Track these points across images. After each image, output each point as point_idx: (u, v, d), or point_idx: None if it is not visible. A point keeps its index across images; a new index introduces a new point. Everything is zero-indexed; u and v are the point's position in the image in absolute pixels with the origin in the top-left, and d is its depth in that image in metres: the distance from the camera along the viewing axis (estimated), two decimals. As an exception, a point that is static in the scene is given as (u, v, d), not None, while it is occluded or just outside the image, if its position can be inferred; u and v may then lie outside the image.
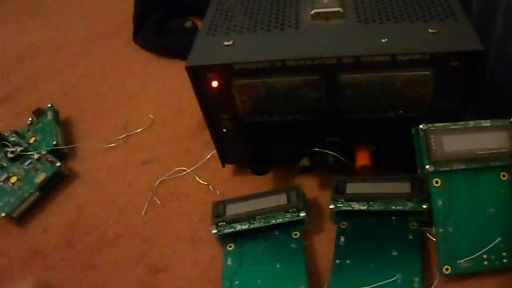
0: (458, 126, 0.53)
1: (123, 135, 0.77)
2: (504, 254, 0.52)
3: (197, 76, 0.53)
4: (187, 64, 0.52)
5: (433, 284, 0.52)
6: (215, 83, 0.53)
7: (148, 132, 0.77)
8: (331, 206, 0.56)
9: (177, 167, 0.70)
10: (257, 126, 0.57)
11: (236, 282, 0.54)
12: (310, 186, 0.63)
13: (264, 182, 0.65)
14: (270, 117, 0.55)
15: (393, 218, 0.57)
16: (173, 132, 0.76)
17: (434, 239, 0.53)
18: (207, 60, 0.52)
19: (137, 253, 0.62)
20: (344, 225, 0.57)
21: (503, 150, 0.52)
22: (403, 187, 0.55)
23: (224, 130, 0.58)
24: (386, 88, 0.51)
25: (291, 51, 0.51)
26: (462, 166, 0.53)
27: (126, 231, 0.65)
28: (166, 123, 0.78)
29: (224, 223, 0.57)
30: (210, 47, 0.54)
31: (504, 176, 0.53)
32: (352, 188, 0.56)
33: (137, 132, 0.77)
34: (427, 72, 0.50)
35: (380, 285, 0.51)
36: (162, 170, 0.70)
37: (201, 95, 0.55)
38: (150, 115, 0.79)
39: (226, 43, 0.53)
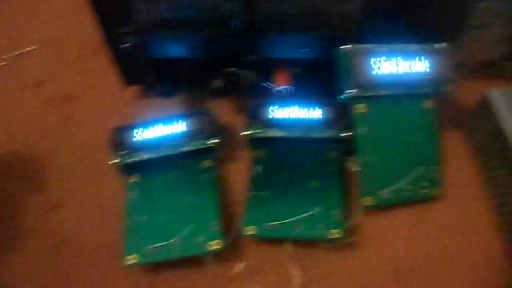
0: (385, 49, 0.49)
1: (13, 53, 0.66)
2: (424, 184, 0.50)
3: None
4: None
5: (354, 216, 0.49)
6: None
7: (43, 50, 0.68)
8: (246, 132, 0.51)
9: (74, 89, 0.62)
10: (162, 41, 0.49)
11: (140, 219, 0.49)
12: (224, 111, 0.58)
13: (173, 106, 0.58)
14: (177, 31, 0.48)
15: (312, 146, 0.52)
16: (68, 52, 0.67)
17: (356, 169, 0.50)
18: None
19: (27, 187, 0.55)
20: (260, 153, 0.53)
21: (429, 77, 0.49)
22: (324, 113, 0.51)
23: (124, 46, 0.50)
24: (309, 3, 0.46)
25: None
26: (386, 92, 0.49)
27: (14, 163, 0.57)
28: (63, 40, 0.68)
29: (126, 151, 0.50)
30: None
31: (428, 104, 0.51)
32: (268, 113, 0.51)
33: (30, 50, 0.67)
34: (355, -14, 0.45)
35: (297, 219, 0.47)
36: (57, 94, 0.62)
37: (98, 5, 0.47)
38: (45, 33, 0.69)
39: None
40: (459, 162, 0.54)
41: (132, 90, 0.60)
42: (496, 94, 0.50)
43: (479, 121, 0.53)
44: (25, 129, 0.60)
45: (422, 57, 0.49)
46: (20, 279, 0.49)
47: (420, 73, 0.49)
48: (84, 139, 0.58)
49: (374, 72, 0.48)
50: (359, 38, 0.48)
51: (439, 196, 0.51)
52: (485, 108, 0.51)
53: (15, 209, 0.53)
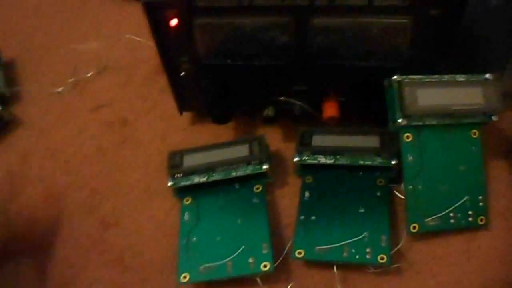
0: (433, 80, 0.50)
1: (72, 79, 0.70)
2: (470, 212, 0.51)
3: (154, 13, 0.47)
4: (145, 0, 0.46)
5: (400, 242, 0.50)
6: (174, 22, 0.48)
7: (100, 76, 0.71)
8: (296, 159, 0.53)
9: (131, 113, 0.65)
10: (219, 70, 0.52)
11: (194, 239, 0.51)
12: (274, 137, 0.60)
13: (225, 131, 0.61)
14: (233, 60, 0.51)
15: (360, 173, 0.54)
16: (127, 77, 0.70)
17: (402, 197, 0.51)
18: (165, -5, 0.46)
19: (85, 206, 0.58)
20: (309, 179, 0.54)
21: (476, 107, 0.50)
22: (372, 141, 0.53)
23: (182, 74, 0.53)
24: (360, 35, 0.48)
25: (259, -11, 0.46)
26: (434, 122, 0.50)
27: (74, 183, 0.60)
28: (119, 67, 0.72)
29: (181, 174, 0.53)
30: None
31: (475, 133, 0.51)
32: (318, 140, 0.53)
33: (88, 76, 0.71)
34: (405, 20, 0.46)
35: (346, 243, 0.48)
36: (114, 117, 0.65)
37: (158, 34, 0.49)
38: (103, 58, 0.72)
39: (188, -22, 0.47)
40: (506, 191, 0.54)
41: (188, 116, 0.63)
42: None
43: (525, 151, 0.53)
44: (82, 151, 0.63)
45: (470, 87, 0.50)
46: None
47: (467, 103, 0.50)
48: (139, 161, 0.60)
49: (422, 102, 0.49)
50: (408, 68, 0.49)
51: (486, 225, 0.51)
52: (532, 138, 0.51)
53: (75, 228, 0.56)
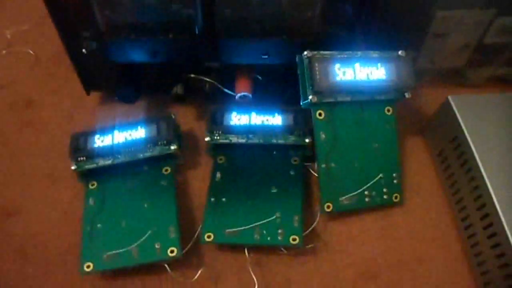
0: (345, 56, 0.49)
1: (-27, 57, 0.65)
2: (384, 190, 0.51)
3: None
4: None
5: (314, 222, 0.49)
6: (71, -6, 0.44)
7: (4, 54, 0.66)
8: (207, 139, 0.51)
9: (36, 94, 0.61)
10: (123, 46, 0.49)
11: (99, 225, 0.48)
12: (186, 117, 0.57)
13: (135, 111, 0.58)
14: (137, 35, 0.47)
15: (274, 152, 0.53)
16: (33, 54, 0.66)
17: (317, 175, 0.50)
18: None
19: (-15, 193, 0.53)
20: (221, 159, 0.52)
21: (390, 84, 0.49)
22: (286, 119, 0.51)
23: (84, 51, 0.49)
24: (270, 9, 0.46)
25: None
26: (347, 98, 0.49)
27: (-29, 168, 0.55)
28: (25, 44, 0.67)
29: (85, 158, 0.50)
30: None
31: (389, 110, 0.51)
32: (230, 119, 0.51)
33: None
34: (315, -8, 0.45)
35: (257, 224, 0.47)
36: (17, 98, 0.61)
37: (55, 9, 0.46)
38: (8, 35, 0.67)
39: None
40: (419, 168, 0.54)
41: (94, 95, 0.60)
42: (457, 100, 0.50)
43: (439, 128, 0.53)
44: (-18, 133, 0.58)
45: (382, 64, 0.49)
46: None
47: (380, 80, 0.49)
48: (44, 145, 0.57)
49: (334, 79, 0.47)
50: (319, 44, 0.48)
51: (400, 202, 0.51)
52: (446, 115, 0.51)
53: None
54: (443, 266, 0.48)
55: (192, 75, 0.52)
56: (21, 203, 0.53)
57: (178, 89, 0.52)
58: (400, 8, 0.56)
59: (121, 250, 0.46)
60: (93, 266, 0.45)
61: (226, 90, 0.52)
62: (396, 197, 0.51)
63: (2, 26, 0.68)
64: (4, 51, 0.66)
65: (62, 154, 0.53)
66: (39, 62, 0.65)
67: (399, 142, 0.52)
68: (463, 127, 0.48)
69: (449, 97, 0.51)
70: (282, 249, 0.47)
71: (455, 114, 0.49)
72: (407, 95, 0.50)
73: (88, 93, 0.56)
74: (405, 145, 0.55)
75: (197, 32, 0.47)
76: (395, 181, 0.51)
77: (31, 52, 0.66)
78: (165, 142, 0.50)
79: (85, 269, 0.45)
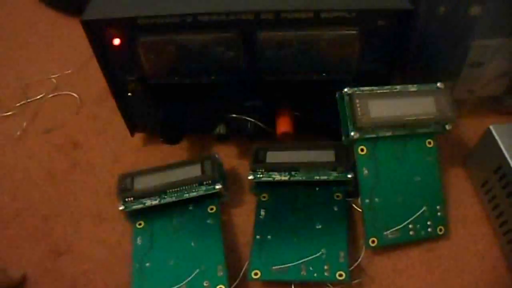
0: (385, 91, 0.50)
1: (22, 102, 0.68)
2: (429, 223, 0.50)
3: (96, 32, 0.46)
4: (84, 18, 0.45)
5: (359, 257, 0.49)
6: (117, 41, 0.46)
7: (51, 98, 0.69)
8: (250, 177, 0.52)
9: (82, 135, 0.63)
10: (167, 89, 0.50)
11: (147, 264, 0.49)
12: (228, 155, 0.59)
13: (178, 151, 0.59)
14: (181, 78, 0.49)
15: (317, 189, 0.53)
16: (78, 97, 0.69)
17: (360, 210, 0.50)
18: (106, 13, 0.45)
19: (37, 233, 0.55)
20: (264, 197, 0.53)
21: (430, 117, 0.50)
22: (328, 155, 0.52)
23: (130, 94, 0.51)
24: (309, 49, 0.47)
25: (203, 4, 0.45)
26: (388, 133, 0.50)
27: (24, 209, 0.58)
28: (70, 88, 0.70)
29: (132, 198, 0.51)
30: (111, 0, 0.46)
31: (430, 143, 0.51)
32: (272, 157, 0.52)
33: (38, 98, 0.69)
34: (353, 32, 0.46)
35: (304, 261, 0.47)
36: (64, 140, 0.63)
37: (101, 54, 0.48)
38: (53, 79, 0.70)
39: (130, -5, 0.46)
40: (463, 199, 0.54)
41: (139, 136, 0.61)
42: (499, 129, 0.50)
43: (482, 158, 0.53)
44: (33, 175, 0.60)
45: (422, 97, 0.50)
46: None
47: (421, 113, 0.49)
48: (91, 185, 0.58)
49: (375, 114, 0.48)
50: (359, 81, 0.48)
51: (445, 234, 0.51)
52: (488, 144, 0.51)
53: (26, 256, 0.53)
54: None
55: (235, 115, 0.53)
56: (71, 242, 0.54)
57: (221, 129, 0.54)
58: (435, 39, 0.56)
59: (170, 289, 0.47)
60: (144, 304, 0.46)
61: (268, 129, 0.53)
62: (440, 230, 0.50)
63: (48, 72, 0.71)
64: (50, 95, 0.69)
65: (109, 194, 0.55)
66: (83, 104, 0.68)
67: (442, 174, 0.51)
68: (507, 156, 0.48)
69: (491, 126, 0.51)
70: (328, 284, 0.47)
71: (497, 143, 0.49)
72: (447, 127, 0.50)
73: (132, 135, 0.58)
74: (447, 177, 0.55)
75: (239, 73, 0.48)
76: (439, 214, 0.50)
77: (75, 95, 0.69)
78: (210, 181, 0.51)
79: (137, 307, 0.46)
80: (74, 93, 0.68)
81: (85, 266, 0.52)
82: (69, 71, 0.71)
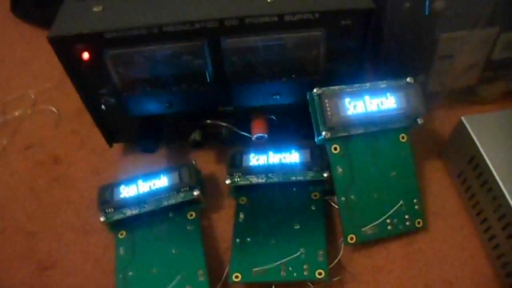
0: (354, 89, 0.50)
1: (1, 120, 0.68)
2: (406, 217, 0.51)
3: (64, 47, 0.46)
4: (50, 35, 0.45)
5: (338, 255, 0.49)
6: (86, 55, 0.47)
7: (30, 113, 0.70)
8: (228, 181, 0.52)
9: (62, 150, 0.64)
10: (139, 100, 0.51)
11: (130, 273, 0.50)
12: (206, 161, 0.59)
13: (158, 159, 0.60)
14: (152, 89, 0.49)
15: (294, 189, 0.54)
16: (57, 112, 0.69)
17: (338, 208, 0.51)
18: (73, 28, 0.45)
19: (21, 249, 0.56)
20: (243, 200, 0.54)
21: (401, 111, 0.50)
22: (303, 156, 0.52)
23: (103, 107, 0.52)
24: (275, 52, 0.47)
25: (168, 15, 0.46)
26: (360, 130, 0.50)
27: (9, 227, 0.58)
28: (49, 103, 0.70)
29: (112, 209, 0.51)
30: (77, 15, 0.47)
31: (403, 138, 0.52)
32: (248, 160, 0.53)
33: (17, 115, 0.69)
34: (318, 33, 0.46)
35: (283, 262, 0.48)
36: (46, 155, 0.64)
37: (71, 69, 0.49)
38: (32, 95, 0.71)
39: (96, 9, 0.47)
40: (440, 191, 0.55)
41: (118, 148, 0.62)
42: (470, 120, 0.51)
43: (456, 149, 0.54)
44: (15, 192, 0.61)
45: (392, 93, 0.50)
46: None
47: (392, 109, 0.50)
48: (73, 199, 0.59)
49: (345, 113, 0.49)
50: (328, 80, 0.49)
51: (424, 227, 0.51)
52: (460, 136, 0.52)
53: (11, 274, 0.54)
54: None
55: (208, 121, 0.54)
56: (56, 256, 0.55)
57: (196, 136, 0.54)
58: (404, 35, 0.57)
59: (153, 298, 0.47)
60: (128, 314, 0.47)
61: (242, 133, 0.54)
62: (419, 223, 0.51)
63: (26, 86, 0.72)
64: (29, 110, 0.70)
65: (91, 207, 0.56)
66: (62, 119, 0.68)
67: (417, 167, 0.52)
68: (479, 147, 0.49)
69: (463, 118, 0.51)
70: (309, 284, 0.48)
71: (469, 134, 0.50)
72: (419, 121, 0.51)
73: (110, 146, 0.58)
74: (424, 170, 0.56)
75: (208, 81, 0.49)
76: (416, 207, 0.51)
77: (54, 110, 0.69)
78: (187, 188, 0.51)
79: (120, 317, 0.47)
80: (53, 107, 0.69)
81: (72, 280, 0.53)
82: (48, 85, 0.71)
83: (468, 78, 0.58)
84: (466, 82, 0.59)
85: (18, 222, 0.58)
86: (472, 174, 0.51)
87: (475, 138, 0.49)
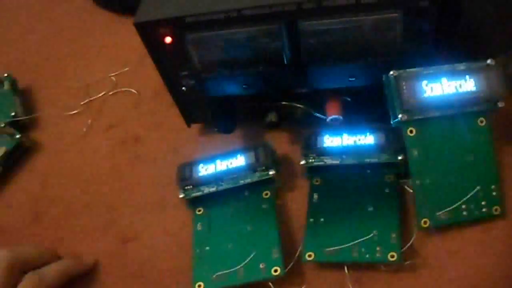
0: (431, 71, 0.49)
1: (86, 101, 0.73)
2: (483, 203, 0.50)
3: (148, 32, 0.49)
4: (136, 21, 0.48)
5: (411, 238, 0.49)
6: (168, 39, 0.49)
7: (111, 95, 0.73)
8: (302, 162, 0.53)
9: (142, 130, 0.67)
10: (218, 81, 0.52)
11: (207, 248, 0.52)
12: (281, 142, 0.60)
13: (234, 139, 0.61)
14: (231, 71, 0.51)
15: (368, 171, 0.54)
16: (136, 93, 0.72)
17: (412, 191, 0.50)
18: (156, 14, 0.47)
19: (105, 222, 0.60)
20: (317, 181, 0.54)
21: (480, 94, 0.49)
22: (378, 138, 0.52)
23: (183, 88, 0.54)
24: (352, 34, 0.47)
25: (247, -1, 0.46)
26: (437, 113, 0.49)
27: (93, 201, 0.62)
28: (129, 85, 0.73)
29: (191, 186, 0.54)
30: (160, 1, 0.49)
31: (482, 122, 0.50)
32: (323, 141, 0.53)
33: (100, 96, 0.73)
34: (395, 14, 0.46)
35: (356, 243, 0.48)
36: (127, 134, 0.67)
37: (155, 53, 0.51)
38: (112, 78, 0.74)
39: (176, -5, 0.48)
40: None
41: (196, 128, 0.64)
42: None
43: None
44: (99, 169, 0.65)
45: (471, 76, 0.49)
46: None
47: (470, 92, 0.49)
48: (153, 176, 0.62)
49: (422, 95, 0.48)
50: (405, 62, 0.49)
51: (501, 215, 0.50)
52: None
53: (95, 244, 0.58)
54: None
55: (284, 103, 0.55)
56: (136, 230, 0.58)
57: (272, 117, 0.55)
58: (485, 14, 0.55)
59: (228, 271, 0.49)
60: (204, 286, 0.49)
61: (317, 115, 0.55)
62: (496, 210, 0.50)
63: (108, 71, 0.75)
64: (111, 93, 0.73)
65: (170, 184, 0.58)
66: (142, 100, 0.71)
67: (496, 153, 0.51)
68: None
69: (545, 102, 0.49)
70: (381, 266, 0.48)
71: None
72: (500, 104, 0.49)
73: (189, 126, 0.60)
74: (503, 156, 0.54)
75: (285, 63, 0.49)
76: (494, 193, 0.50)
77: (134, 91, 0.72)
78: (263, 168, 0.53)
79: (197, 288, 0.49)
80: (133, 89, 0.72)
81: (150, 252, 0.56)
82: (127, 69, 0.74)
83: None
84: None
85: (101, 197, 0.62)
86: (555, 160, 0.49)
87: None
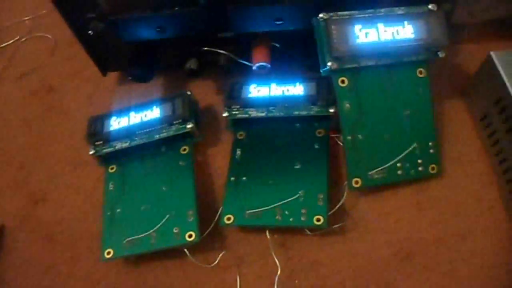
0: (366, 15, 0.44)
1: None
2: (419, 161, 0.46)
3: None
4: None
5: (341, 199, 0.45)
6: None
7: (25, 41, 0.67)
8: (225, 114, 0.48)
9: (56, 78, 0.61)
10: (129, 24, 0.46)
11: (118, 210, 0.47)
12: (204, 92, 0.55)
13: (154, 90, 0.56)
14: (142, 11, 0.45)
15: (297, 125, 0.49)
16: (52, 39, 0.66)
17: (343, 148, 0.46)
18: None
19: (13, 182, 0.54)
20: (241, 135, 0.50)
21: (420, 42, 0.44)
22: (308, 89, 0.47)
23: (90, 32, 0.47)
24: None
25: None
26: (371, 62, 0.45)
27: (1, 157, 0.56)
28: (45, 30, 0.67)
29: (102, 141, 0.48)
30: None
31: (421, 72, 0.46)
32: (248, 92, 0.48)
33: (12, 42, 0.66)
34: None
35: (279, 204, 0.44)
36: (40, 84, 0.61)
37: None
38: (27, 22, 0.67)
39: None
40: (460, 135, 0.50)
41: (113, 77, 0.59)
42: (500, 56, 0.45)
43: (482, 89, 0.48)
44: (8, 122, 0.59)
45: (410, 21, 0.44)
46: (9, 272, 0.48)
47: (409, 40, 0.44)
48: (66, 130, 0.57)
49: (355, 42, 0.43)
50: (338, 5, 0.44)
51: (438, 173, 0.47)
52: (488, 74, 0.46)
53: (4, 203, 0.53)
54: (489, 243, 0.44)
55: (206, 48, 0.49)
56: (47, 189, 0.53)
57: (192, 64, 0.50)
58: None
59: (140, 236, 0.45)
60: (113, 252, 0.45)
61: (242, 61, 0.49)
62: (433, 168, 0.46)
63: (22, 14, 0.69)
64: (24, 38, 0.67)
65: (84, 139, 0.52)
66: (58, 46, 0.65)
67: (435, 107, 0.47)
68: (509, 87, 0.43)
69: (491, 53, 0.45)
70: (306, 230, 0.44)
71: (498, 72, 0.44)
72: (440, 54, 0.45)
73: (104, 74, 0.55)
74: (443, 110, 0.50)
75: (202, 2, 0.43)
76: (431, 151, 0.46)
77: (50, 37, 0.66)
78: (180, 120, 0.47)
79: (106, 256, 0.45)
80: (49, 34, 0.66)
81: (61, 214, 0.51)
82: (43, 12, 0.67)
83: (500, 9, 0.51)
84: (497, 15, 0.52)
85: (11, 153, 0.56)
86: (497, 118, 0.45)
87: (504, 77, 0.44)
